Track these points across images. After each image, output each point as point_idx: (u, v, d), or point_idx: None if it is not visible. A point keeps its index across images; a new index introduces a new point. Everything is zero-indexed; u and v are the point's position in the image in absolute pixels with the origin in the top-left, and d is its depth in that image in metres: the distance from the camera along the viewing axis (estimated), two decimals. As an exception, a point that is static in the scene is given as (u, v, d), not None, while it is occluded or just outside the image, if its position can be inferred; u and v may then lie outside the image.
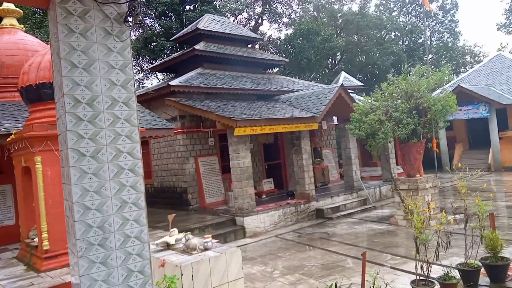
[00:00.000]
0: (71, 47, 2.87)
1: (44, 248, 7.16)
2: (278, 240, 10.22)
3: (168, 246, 5.47)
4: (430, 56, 35.95)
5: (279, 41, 31.07)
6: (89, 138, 2.80)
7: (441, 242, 5.22)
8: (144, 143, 14.49)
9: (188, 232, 5.51)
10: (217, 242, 5.91)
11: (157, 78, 28.87)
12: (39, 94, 7.58)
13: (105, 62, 2.92)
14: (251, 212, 11.07)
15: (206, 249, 5.24)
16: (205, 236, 5.61)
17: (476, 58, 38.65)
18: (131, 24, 3.04)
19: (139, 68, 28.51)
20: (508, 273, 5.63)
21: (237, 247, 8.68)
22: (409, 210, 5.89)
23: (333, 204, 12.93)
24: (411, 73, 11.10)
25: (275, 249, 9.37)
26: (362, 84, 22.91)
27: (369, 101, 11.43)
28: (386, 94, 10.76)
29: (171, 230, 5.66)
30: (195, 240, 5.30)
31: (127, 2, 3.03)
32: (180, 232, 5.70)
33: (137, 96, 13.86)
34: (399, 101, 10.56)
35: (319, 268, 7.57)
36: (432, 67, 27.00)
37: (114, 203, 2.85)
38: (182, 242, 5.40)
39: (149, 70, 26.69)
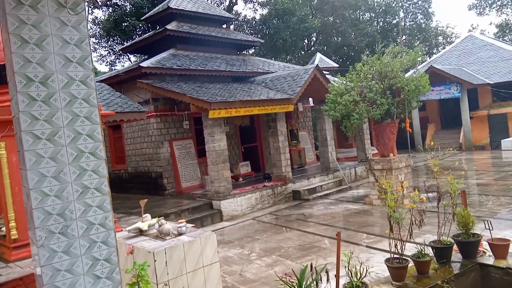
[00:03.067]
0: (21, 21, 2.63)
1: (13, 237, 6.87)
2: (255, 223, 10.20)
3: (140, 232, 5.30)
4: (404, 37, 36.28)
5: (254, 22, 30.60)
6: (44, 119, 2.60)
7: (415, 220, 5.25)
8: (117, 127, 14.09)
9: (161, 217, 5.35)
10: (193, 226, 5.78)
11: (130, 60, 28.01)
12: (1, 75, 7.16)
13: (59, 37, 2.69)
14: (228, 195, 10.98)
15: (180, 234, 5.10)
16: (179, 221, 5.47)
17: (448, 39, 39.29)
18: (87, -4, 2.81)
19: (110, 50, 27.56)
20: (479, 249, 5.75)
21: (214, 230, 8.60)
22: (383, 190, 5.91)
23: (309, 186, 12.99)
24: (385, 53, 11.11)
25: (252, 231, 9.35)
26: (338, 66, 22.93)
27: (344, 82, 11.41)
28: (361, 75, 10.75)
29: (144, 215, 5.49)
30: (168, 225, 5.15)
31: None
32: (155, 217, 5.54)
33: (107, 78, 13.40)
34: (373, 81, 10.58)
35: (296, 249, 7.59)
36: (405, 48, 27.23)
37: (74, 188, 2.67)
38: (155, 227, 5.24)
39: (120, 52, 25.81)
